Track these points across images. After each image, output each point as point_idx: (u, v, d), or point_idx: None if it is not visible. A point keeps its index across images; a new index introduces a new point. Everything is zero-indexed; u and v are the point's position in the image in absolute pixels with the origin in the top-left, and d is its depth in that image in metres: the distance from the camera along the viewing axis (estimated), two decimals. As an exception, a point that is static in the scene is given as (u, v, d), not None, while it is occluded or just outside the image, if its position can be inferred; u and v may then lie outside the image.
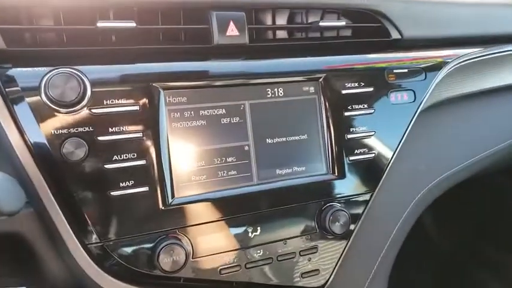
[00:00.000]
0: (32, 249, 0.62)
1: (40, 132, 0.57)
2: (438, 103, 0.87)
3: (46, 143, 0.57)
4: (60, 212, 0.59)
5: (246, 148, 0.70)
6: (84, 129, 0.58)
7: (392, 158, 0.79)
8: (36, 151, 0.57)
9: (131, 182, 0.61)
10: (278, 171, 0.72)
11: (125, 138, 0.61)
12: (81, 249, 0.60)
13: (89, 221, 0.59)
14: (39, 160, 0.58)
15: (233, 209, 0.68)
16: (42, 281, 0.66)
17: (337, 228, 0.72)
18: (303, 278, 0.73)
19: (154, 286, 0.64)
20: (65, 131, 0.57)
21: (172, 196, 0.64)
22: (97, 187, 0.59)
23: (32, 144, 0.57)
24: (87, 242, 0.60)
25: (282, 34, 0.77)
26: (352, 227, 0.75)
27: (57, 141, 0.57)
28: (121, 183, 0.60)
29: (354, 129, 0.76)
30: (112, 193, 0.60)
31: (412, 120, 0.81)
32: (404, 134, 0.80)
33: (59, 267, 0.64)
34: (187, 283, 0.65)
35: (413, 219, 0.87)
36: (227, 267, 0.67)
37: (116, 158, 0.60)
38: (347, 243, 0.76)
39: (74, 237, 0.59)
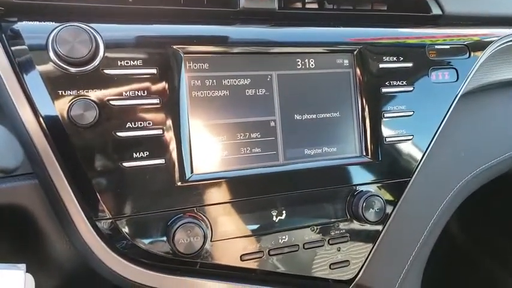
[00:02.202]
0: (35, 224, 0.57)
1: (46, 93, 0.51)
2: (480, 87, 0.80)
3: (53, 104, 0.51)
4: (66, 182, 0.53)
5: (272, 124, 0.63)
6: (95, 91, 0.53)
7: (431, 141, 0.71)
8: (42, 114, 0.52)
9: (146, 153, 0.55)
10: (306, 151, 0.65)
11: (139, 104, 0.55)
12: (88, 225, 0.54)
13: (98, 194, 0.53)
14: (45, 124, 0.52)
15: (256, 190, 0.61)
16: (45, 260, 0.60)
17: (371, 215, 0.64)
18: (332, 269, 0.66)
19: (167, 271, 0.57)
20: (73, 92, 0.52)
21: (191, 172, 0.57)
22: (108, 157, 0.53)
23: (37, 106, 0.52)
24: (95, 217, 0.54)
25: (312, 4, 0.70)
26: (386, 215, 0.67)
27: (65, 102, 0.51)
28: (134, 154, 0.54)
29: (392, 107, 0.68)
30: (124, 164, 0.54)
31: (453, 102, 0.74)
32: (445, 116, 0.73)
33: (64, 246, 0.59)
34: (204, 269, 0.59)
35: (451, 211, 0.79)
36: (249, 253, 0.61)
37: (130, 125, 0.54)
38: (380, 233, 0.68)
39: (81, 212, 0.53)
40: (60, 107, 0.51)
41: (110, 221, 0.54)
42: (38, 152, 0.52)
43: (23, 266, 0.51)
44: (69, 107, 0.51)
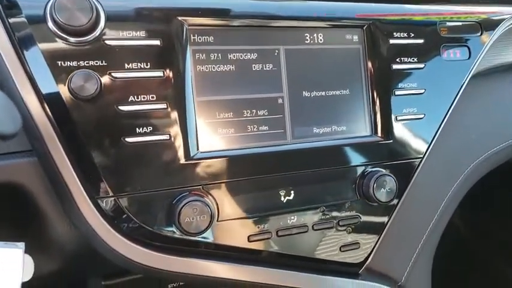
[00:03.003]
0: (34, 204, 0.54)
1: (45, 64, 0.49)
2: (491, 69, 0.78)
3: (52, 75, 0.49)
4: (66, 158, 0.51)
5: (280, 101, 0.61)
6: (96, 62, 0.50)
7: (443, 121, 0.69)
8: (41, 86, 0.49)
9: (149, 129, 0.52)
10: (315, 130, 0.62)
11: (142, 77, 0.52)
12: (90, 203, 0.51)
13: (100, 171, 0.51)
14: (44, 97, 0.50)
15: (264, 169, 0.59)
16: (45, 242, 0.58)
17: (382, 195, 0.62)
18: (342, 251, 0.64)
19: (172, 252, 0.55)
20: (73, 63, 0.49)
21: (197, 149, 0.55)
22: (110, 131, 0.51)
23: (35, 78, 0.49)
24: (97, 195, 0.51)
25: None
26: (398, 196, 0.65)
27: (64, 74, 0.49)
28: (137, 129, 0.52)
29: (403, 85, 0.66)
30: (127, 139, 0.52)
31: (465, 81, 0.72)
32: (457, 96, 0.71)
33: (65, 226, 0.56)
34: (210, 250, 0.56)
35: (462, 194, 0.77)
36: (256, 234, 0.58)
37: (132, 99, 0.52)
38: (391, 215, 0.66)
39: (82, 190, 0.51)
40: (59, 79, 0.49)
41: (113, 199, 0.52)
42: (37, 127, 0.50)
43: (22, 244, 0.49)
44: (69, 78, 0.48)
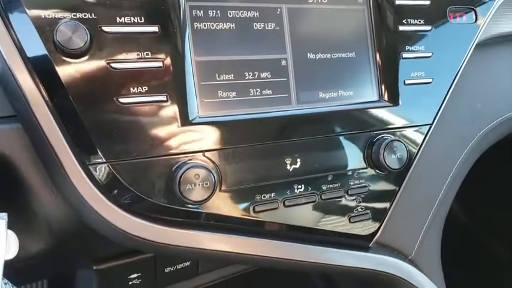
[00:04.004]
0: (17, 175, 0.49)
1: (27, 17, 0.44)
2: (496, 37, 0.75)
3: (35, 29, 0.44)
4: (53, 122, 0.46)
5: (284, 63, 0.57)
6: (85, 15, 0.45)
7: (451, 86, 0.66)
8: (23, 40, 0.44)
9: (144, 89, 0.48)
10: (321, 95, 0.59)
11: (136, 32, 0.48)
12: (81, 171, 0.47)
13: (91, 135, 0.46)
14: (27, 53, 0.45)
15: (268, 135, 0.55)
16: (30, 218, 0.52)
17: (392, 161, 0.59)
18: (351, 223, 0.60)
19: (172, 224, 0.50)
20: (59, 14, 0.44)
21: (197, 112, 0.51)
22: (102, 91, 0.46)
23: (16, 32, 0.44)
24: (88, 161, 0.47)
25: None
26: (408, 163, 0.62)
27: (49, 26, 0.44)
28: (132, 89, 0.47)
29: (410, 47, 0.63)
30: (120, 100, 0.47)
31: (472, 46, 0.69)
32: (464, 61, 0.68)
33: (53, 200, 0.51)
34: (213, 223, 0.52)
35: (470, 163, 0.74)
36: (262, 204, 0.54)
37: (126, 56, 0.47)
38: (401, 184, 0.63)
39: (72, 155, 0.46)
40: (44, 32, 0.44)
41: (105, 165, 0.47)
42: (20, 88, 0.45)
43: (4, 215, 0.44)
44: (55, 30, 0.44)
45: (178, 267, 0.76)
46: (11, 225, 0.49)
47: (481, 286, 1.31)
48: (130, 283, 0.73)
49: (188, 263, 0.78)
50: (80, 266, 0.73)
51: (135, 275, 0.73)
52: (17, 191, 0.51)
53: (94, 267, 0.70)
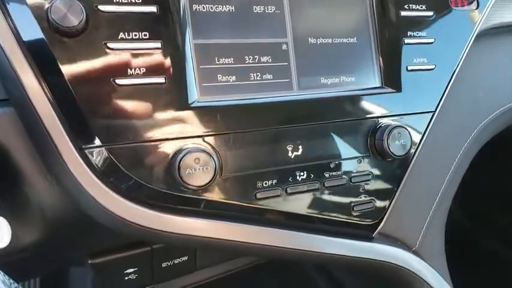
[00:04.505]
0: (9, 161, 0.47)
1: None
2: (498, 27, 0.74)
3: (28, 6, 0.42)
4: (48, 104, 0.44)
5: (284, 47, 0.55)
6: (81, -7, 0.44)
7: (454, 74, 0.65)
8: (16, 19, 0.43)
9: (142, 70, 0.46)
10: (323, 80, 0.57)
11: (133, 12, 0.46)
12: (76, 155, 0.45)
13: (86, 117, 0.44)
14: (21, 32, 0.43)
15: (269, 120, 0.53)
16: (23, 207, 0.50)
17: (397, 148, 0.57)
18: (355, 211, 0.58)
19: (171, 211, 0.48)
20: (54, -7, 0.43)
21: (197, 95, 0.49)
22: (98, 72, 0.45)
23: (9, 10, 0.43)
24: (84, 145, 0.45)
25: None
26: (412, 151, 0.60)
27: (44, 3, 0.42)
28: (129, 70, 0.46)
29: (412, 33, 0.62)
30: (117, 81, 0.45)
31: (474, 33, 0.68)
32: (466, 48, 0.67)
33: (46, 187, 0.49)
34: (212, 210, 0.50)
35: (471, 156, 0.73)
36: (264, 191, 0.53)
37: (123, 36, 0.46)
38: (405, 172, 0.62)
39: (67, 139, 0.44)
40: (38, 9, 0.42)
41: (102, 149, 0.45)
42: (13, 69, 0.43)
43: (-3, 198, 0.42)
44: (49, 7, 0.42)
45: (176, 261, 0.74)
46: (2, 214, 0.47)
47: (482, 285, 1.30)
48: (126, 278, 0.71)
49: (186, 258, 0.76)
50: (74, 260, 0.70)
51: (131, 270, 0.71)
52: (9, 178, 0.49)
53: (89, 262, 0.67)
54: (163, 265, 0.74)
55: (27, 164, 0.48)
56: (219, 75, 0.52)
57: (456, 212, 1.37)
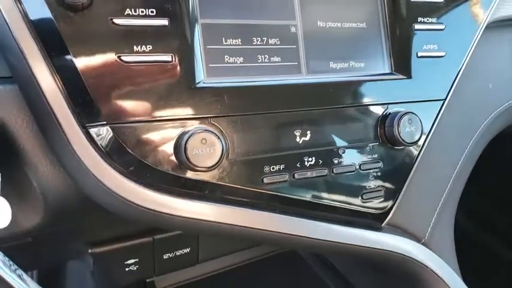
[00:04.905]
0: (12, 141, 0.46)
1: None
2: (506, 19, 0.73)
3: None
4: (53, 80, 0.43)
5: (293, 29, 0.54)
6: (86, -34, 0.43)
7: (464, 62, 0.64)
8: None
9: (148, 48, 0.45)
10: (332, 65, 0.56)
11: (140, -12, 0.45)
12: (80, 133, 0.43)
13: (91, 94, 0.43)
14: (25, 5, 0.42)
15: (277, 103, 0.52)
16: (23, 186, 0.49)
17: (407, 135, 0.56)
18: (364, 199, 0.57)
19: (176, 194, 0.47)
20: (59, -34, 0.42)
21: (203, 76, 0.48)
22: (103, 48, 0.43)
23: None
24: (89, 123, 0.43)
25: None
26: (422, 139, 0.59)
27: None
28: (135, 47, 0.45)
29: (422, 19, 0.61)
30: (123, 58, 0.44)
31: (484, 21, 0.67)
32: (476, 37, 0.66)
33: (48, 165, 0.48)
34: (218, 194, 0.49)
35: (481, 148, 0.72)
36: (271, 176, 0.51)
37: (129, 12, 0.45)
38: (415, 161, 0.60)
39: (71, 116, 0.43)
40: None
41: (107, 128, 0.44)
42: (17, 44, 0.42)
43: (-3, 175, 0.40)
44: (54, -20, 0.41)
45: (178, 253, 0.73)
46: (3, 194, 0.45)
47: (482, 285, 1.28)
48: (127, 269, 0.70)
49: (188, 249, 0.74)
50: (75, 249, 0.69)
51: (132, 261, 0.70)
52: (10, 158, 0.47)
53: (89, 251, 0.66)
54: (165, 257, 0.72)
55: (30, 143, 0.46)
56: (226, 56, 0.50)
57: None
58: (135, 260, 0.70)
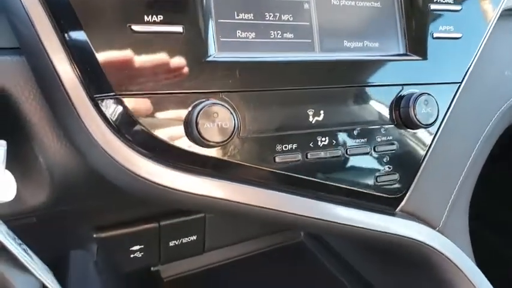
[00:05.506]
0: (16, 112, 0.45)
1: None
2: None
3: None
4: (62, 49, 0.41)
5: (306, 6, 0.53)
6: None
7: (481, 45, 0.62)
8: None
9: (159, 18, 0.44)
10: (346, 44, 0.55)
11: (151, -44, 0.44)
12: (90, 105, 0.42)
13: (100, 63, 0.42)
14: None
15: (289, 80, 0.50)
16: (28, 161, 0.48)
17: (423, 116, 0.54)
18: (378, 182, 0.55)
19: (184, 169, 0.45)
20: None
21: (215, 49, 0.47)
22: (114, 16, 0.42)
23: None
24: (98, 94, 0.42)
25: None
26: (437, 122, 0.57)
27: None
28: (146, 17, 0.43)
29: (438, -1, 0.59)
30: (133, 27, 0.43)
31: (501, 4, 0.65)
32: (493, 20, 0.64)
33: (55, 140, 0.46)
34: (228, 171, 0.47)
35: (496, 136, 0.70)
36: (283, 154, 0.49)
37: (141, -20, 0.43)
38: (430, 144, 0.58)
39: (80, 87, 0.42)
40: None
41: (116, 99, 0.42)
42: (26, 12, 0.41)
43: (3, 142, 0.39)
44: None
45: (184, 241, 0.71)
46: (8, 168, 0.44)
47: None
48: (132, 256, 0.68)
49: (195, 237, 0.73)
50: (79, 234, 0.67)
51: (137, 247, 0.68)
52: (16, 132, 0.46)
53: (94, 235, 0.64)
54: (171, 244, 0.71)
55: (36, 116, 0.45)
56: (238, 31, 0.49)
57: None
58: (140, 247, 0.68)
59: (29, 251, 0.40)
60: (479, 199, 1.27)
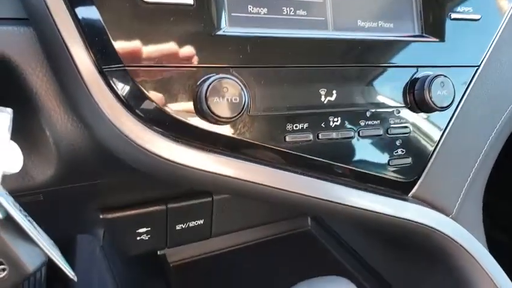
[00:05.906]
0: (25, 83, 0.44)
1: None
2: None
3: None
4: (71, 20, 0.41)
5: (320, -17, 0.51)
6: None
7: (499, 29, 0.61)
8: None
9: (170, -11, 0.43)
10: (360, 23, 0.53)
11: None
12: (97, 75, 0.41)
13: (109, 34, 0.41)
14: None
15: (300, 57, 0.49)
16: (37, 138, 0.47)
17: (439, 98, 0.53)
18: (390, 165, 0.54)
19: (193, 145, 0.44)
20: None
21: (226, 23, 0.46)
22: (122, -12, 0.41)
23: None
24: (107, 66, 0.41)
25: None
26: (453, 105, 0.56)
27: None
28: (157, -12, 0.42)
29: (456, -21, 0.57)
30: (144, -1, 0.42)
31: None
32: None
33: (62, 113, 0.46)
34: (238, 149, 0.46)
35: (509, 131, 0.68)
36: (294, 134, 0.48)
37: (149, -48, 0.42)
38: (445, 128, 0.57)
39: (89, 59, 0.41)
40: None
41: (125, 71, 0.41)
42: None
43: (9, 110, 0.38)
44: None
45: (191, 224, 0.71)
46: (15, 140, 0.43)
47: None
48: (138, 238, 0.68)
49: (201, 221, 0.72)
50: (86, 216, 0.67)
51: (144, 229, 0.68)
52: (23, 103, 0.45)
53: (101, 216, 0.64)
54: (178, 227, 0.70)
55: (43, 88, 0.44)
56: (249, 6, 0.48)
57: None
58: (147, 229, 0.67)
59: (35, 224, 0.39)
60: (491, 200, 1.25)
